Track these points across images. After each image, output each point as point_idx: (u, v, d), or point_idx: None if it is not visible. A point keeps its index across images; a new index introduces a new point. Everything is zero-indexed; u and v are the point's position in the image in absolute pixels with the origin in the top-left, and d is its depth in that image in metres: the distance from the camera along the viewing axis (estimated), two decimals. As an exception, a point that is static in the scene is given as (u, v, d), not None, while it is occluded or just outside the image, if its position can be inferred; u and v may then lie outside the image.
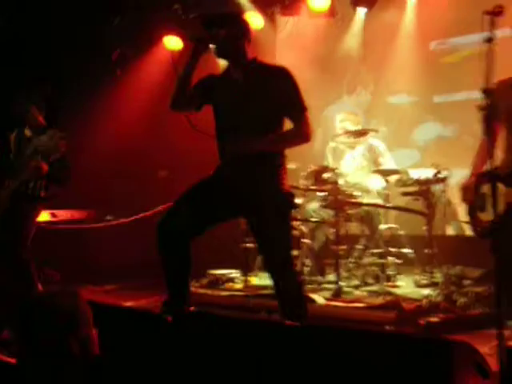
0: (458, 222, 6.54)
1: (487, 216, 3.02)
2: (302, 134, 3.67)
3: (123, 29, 7.86)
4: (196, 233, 3.71)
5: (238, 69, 3.73)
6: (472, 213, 3.76)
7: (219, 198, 3.68)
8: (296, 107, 3.67)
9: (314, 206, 6.10)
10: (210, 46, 3.70)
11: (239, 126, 3.61)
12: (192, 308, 3.71)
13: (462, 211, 3.98)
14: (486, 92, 3.67)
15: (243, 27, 3.75)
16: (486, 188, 3.57)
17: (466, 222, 3.82)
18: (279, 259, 3.68)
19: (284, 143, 3.77)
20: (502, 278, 2.68)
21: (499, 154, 3.55)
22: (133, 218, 7.17)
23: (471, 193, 3.75)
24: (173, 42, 8.33)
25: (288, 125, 3.76)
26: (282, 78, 3.66)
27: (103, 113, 8.05)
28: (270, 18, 7.95)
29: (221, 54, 3.74)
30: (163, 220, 3.69)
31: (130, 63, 8.25)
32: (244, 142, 3.56)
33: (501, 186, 3.50)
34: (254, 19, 7.68)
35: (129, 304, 5.63)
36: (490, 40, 3.05)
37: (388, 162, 6.35)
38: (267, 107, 3.63)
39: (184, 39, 8.32)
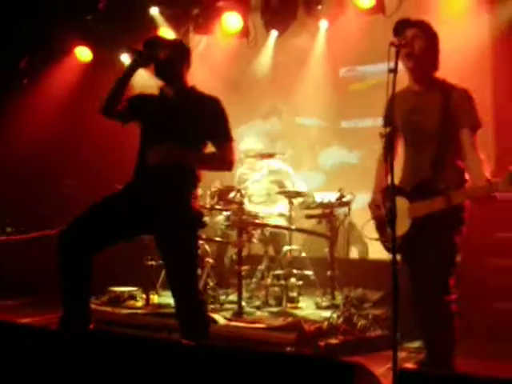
0: (366, 241, 6.65)
1: (397, 230, 3.06)
2: (225, 161, 3.75)
3: (33, 36, 7.65)
4: (98, 248, 3.63)
5: (172, 89, 3.79)
6: (381, 228, 3.81)
7: (127, 212, 3.63)
8: (223, 135, 3.75)
9: (220, 220, 6.09)
10: (148, 63, 3.75)
11: (164, 140, 3.58)
12: (91, 325, 3.61)
13: (369, 231, 4.00)
14: (387, 119, 3.78)
15: (184, 52, 3.84)
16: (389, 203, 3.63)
17: (376, 239, 3.85)
18: (184, 277, 3.65)
19: (206, 163, 3.86)
20: (398, 300, 2.71)
21: (400, 168, 3.62)
22: (33, 235, 6.91)
23: (379, 208, 3.79)
24: (84, 53, 8.22)
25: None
26: (213, 106, 3.76)
27: (8, 121, 7.80)
28: (183, 35, 7.92)
29: (159, 74, 3.77)
30: (65, 232, 3.57)
31: (40, 72, 8.05)
32: (169, 150, 3.55)
33: (406, 202, 3.58)
34: (167, 36, 7.66)
35: (25, 320, 5.42)
36: (393, 70, 3.12)
37: (296, 184, 6.42)
38: (194, 128, 3.70)
39: (94, 51, 8.20)
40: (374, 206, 3.87)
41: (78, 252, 3.54)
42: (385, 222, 3.74)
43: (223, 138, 3.75)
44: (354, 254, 6.81)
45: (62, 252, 3.54)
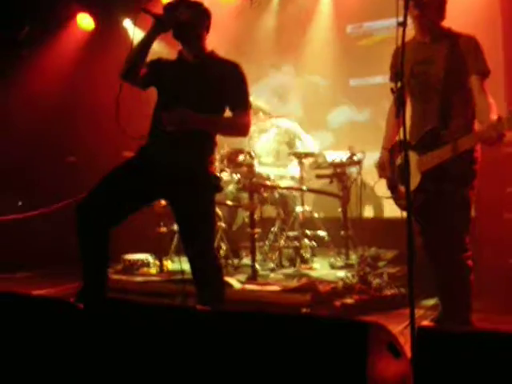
0: (379, 199, 6.62)
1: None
2: (242, 127, 3.72)
3: (32, 5, 7.53)
4: (118, 219, 3.61)
5: (191, 53, 3.74)
6: (392, 187, 3.76)
7: (143, 179, 3.59)
8: (241, 101, 3.71)
9: (232, 187, 6.07)
10: (170, 27, 3.65)
11: (182, 104, 3.53)
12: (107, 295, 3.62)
13: (381, 189, 3.96)
14: (395, 73, 3.71)
15: (205, 15, 3.79)
16: (400, 159, 3.56)
17: (388, 198, 3.81)
18: (202, 241, 3.64)
19: (224, 128, 3.81)
20: (415, 257, 2.68)
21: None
22: (44, 210, 6.88)
23: (387, 168, 3.75)
24: (85, 21, 8.12)
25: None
26: (233, 72, 3.70)
27: (8, 95, 7.72)
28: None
29: (179, 36, 3.71)
30: (83, 203, 3.55)
31: (40, 42, 7.92)
32: (188, 114, 3.49)
33: (415, 156, 3.52)
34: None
35: (38, 292, 5.44)
36: (402, 24, 3.04)
37: (305, 144, 6.36)
38: (213, 93, 3.66)
39: (96, 19, 8.09)
40: (378, 166, 3.83)
41: (97, 224, 3.52)
42: (395, 180, 3.70)
43: (241, 104, 3.71)
44: (368, 212, 6.78)
45: (81, 221, 3.52)
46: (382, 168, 3.79)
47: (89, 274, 3.58)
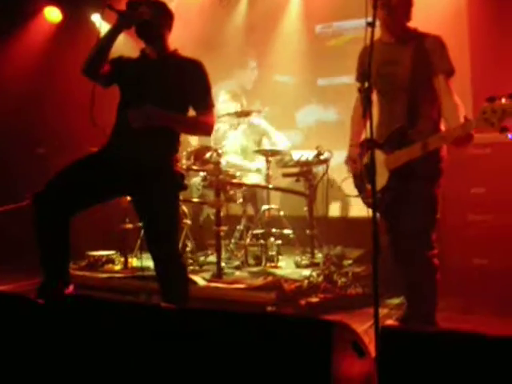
0: (346, 198, 6.64)
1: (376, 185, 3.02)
2: (206, 126, 3.74)
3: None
4: (75, 209, 3.57)
5: (154, 51, 3.76)
6: (359, 184, 3.78)
7: (105, 174, 3.57)
8: (204, 101, 3.73)
9: (197, 180, 6.05)
10: (132, 24, 3.66)
11: (145, 102, 3.52)
12: (70, 290, 3.57)
13: (348, 187, 3.97)
14: (362, 73, 3.74)
15: (167, 14, 3.80)
16: (367, 158, 3.58)
17: (355, 196, 3.83)
18: (166, 239, 3.64)
19: (188, 127, 3.86)
20: (380, 255, 2.69)
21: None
22: (8, 207, 6.76)
23: (357, 163, 3.75)
24: (53, 14, 8.03)
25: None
26: (196, 71, 3.72)
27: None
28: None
29: (141, 34, 3.72)
30: (41, 193, 3.49)
31: (7, 34, 7.81)
32: (152, 112, 3.48)
33: (382, 155, 3.54)
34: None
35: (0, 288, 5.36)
36: (371, 24, 3.06)
37: (275, 142, 6.37)
38: (176, 91, 3.68)
39: (64, 11, 8.01)
40: (350, 161, 3.84)
41: (55, 214, 3.47)
42: (362, 177, 3.72)
43: (205, 102, 3.73)
44: (334, 211, 6.80)
45: (38, 215, 3.47)
46: (354, 161, 3.79)
47: (47, 267, 3.52)
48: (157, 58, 3.74)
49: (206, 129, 3.76)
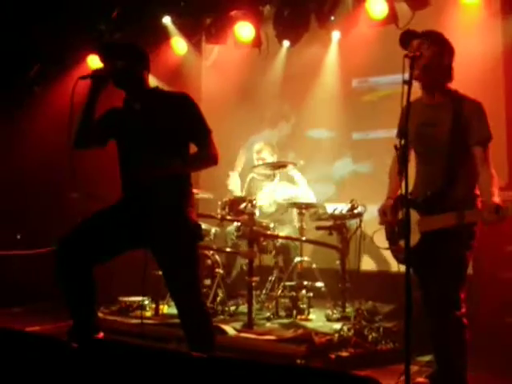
0: (378, 251, 6.60)
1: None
2: (209, 157, 3.68)
3: (46, 45, 7.66)
4: (97, 260, 3.59)
5: (137, 98, 3.71)
6: (391, 238, 3.76)
7: (122, 227, 3.59)
8: (201, 132, 3.69)
9: (231, 230, 6.09)
10: (108, 80, 3.65)
11: (142, 155, 3.54)
12: (100, 335, 3.59)
13: (379, 239, 3.96)
14: (401, 131, 3.74)
15: (140, 56, 3.74)
16: (402, 215, 3.57)
17: (386, 248, 3.81)
18: (184, 290, 3.60)
19: (194, 165, 3.80)
20: (411, 313, 2.68)
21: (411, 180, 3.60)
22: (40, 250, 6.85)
23: (389, 214, 3.73)
24: (96, 62, 8.23)
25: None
26: (183, 105, 3.68)
27: (20, 129, 7.80)
28: (196, 45, 7.95)
29: (119, 84, 3.69)
30: (62, 243, 3.53)
31: (51, 81, 8.03)
32: (151, 167, 3.48)
33: (417, 215, 3.54)
34: (178, 45, 7.72)
35: (34, 329, 5.40)
36: (407, 82, 3.10)
37: (305, 194, 6.41)
38: (169, 133, 3.63)
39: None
40: (381, 212, 3.82)
41: (77, 262, 3.50)
42: (394, 231, 3.71)
43: (201, 133, 3.69)
44: (366, 264, 6.77)
45: (60, 261, 3.51)
46: (384, 213, 3.78)
47: (73, 314, 3.56)
48: (142, 106, 3.70)
49: (211, 160, 3.68)
